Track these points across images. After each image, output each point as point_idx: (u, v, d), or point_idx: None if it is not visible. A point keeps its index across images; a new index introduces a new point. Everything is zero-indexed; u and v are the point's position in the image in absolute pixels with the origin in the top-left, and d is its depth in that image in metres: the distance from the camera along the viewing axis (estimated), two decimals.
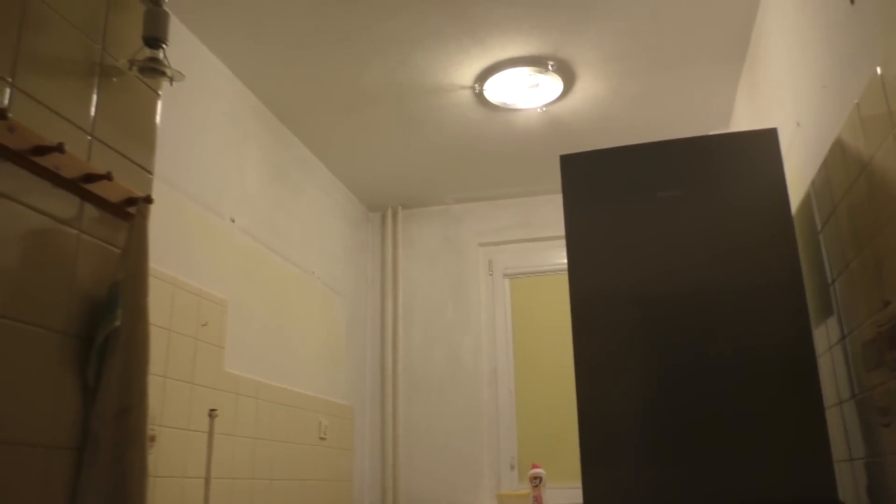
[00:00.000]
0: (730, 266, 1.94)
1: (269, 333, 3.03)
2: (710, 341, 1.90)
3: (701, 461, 1.83)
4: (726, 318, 1.91)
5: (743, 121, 3.04)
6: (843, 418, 1.94)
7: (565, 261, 2.10)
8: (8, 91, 1.15)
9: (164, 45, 1.40)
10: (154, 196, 1.53)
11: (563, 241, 2.12)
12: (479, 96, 3.12)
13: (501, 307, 4.18)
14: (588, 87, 3.07)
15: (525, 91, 3.07)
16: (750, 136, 2.04)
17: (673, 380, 1.91)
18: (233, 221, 2.83)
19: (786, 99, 2.28)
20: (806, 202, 2.16)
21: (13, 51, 1.15)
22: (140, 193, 1.45)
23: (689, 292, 1.96)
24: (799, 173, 2.18)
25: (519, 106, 3.19)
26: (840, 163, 1.80)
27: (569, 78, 3.00)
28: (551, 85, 3.04)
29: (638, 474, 1.88)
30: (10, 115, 1.10)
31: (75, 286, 1.35)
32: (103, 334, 1.48)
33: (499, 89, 3.06)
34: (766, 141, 2.00)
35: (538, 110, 3.25)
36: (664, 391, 1.91)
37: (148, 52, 1.40)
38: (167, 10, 1.43)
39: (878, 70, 1.49)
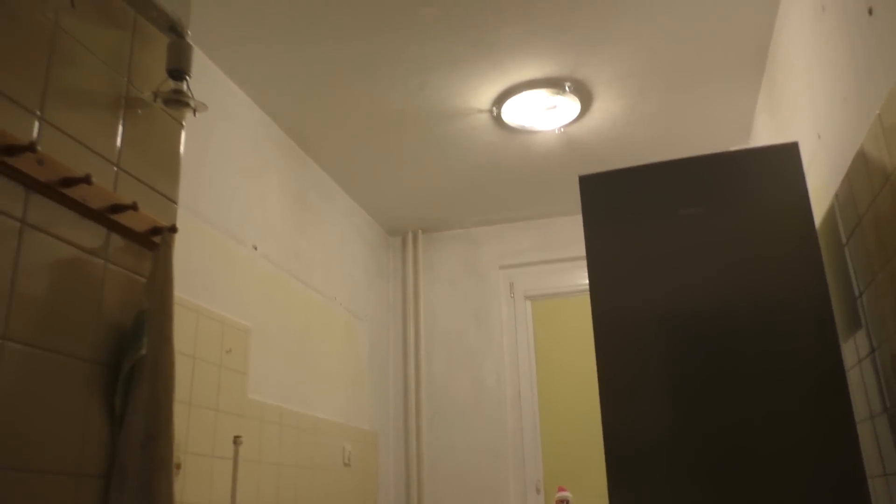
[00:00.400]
0: (754, 282, 1.92)
1: (292, 359, 3.04)
2: (737, 358, 1.88)
3: (729, 480, 1.79)
4: (752, 334, 1.88)
5: (763, 135, 3.03)
6: (875, 433, 1.90)
7: (587, 281, 2.09)
8: (36, 124, 1.17)
9: (187, 77, 1.43)
10: (178, 225, 1.55)
11: (585, 262, 2.11)
12: (497, 119, 3.14)
13: (523, 329, 4.16)
14: (606, 106, 3.08)
15: (543, 113, 3.08)
16: (771, 150, 2.03)
17: (700, 398, 1.88)
18: (255, 248, 2.85)
19: (806, 112, 2.27)
20: (830, 215, 2.13)
21: (42, 85, 1.18)
22: (165, 223, 1.47)
23: (713, 309, 1.94)
24: (822, 186, 2.16)
25: (537, 128, 3.20)
26: (863, 174, 1.78)
27: (586, 98, 3.01)
28: (569, 106, 3.05)
29: (666, 494, 1.85)
30: (38, 147, 1.13)
31: (102, 315, 1.37)
32: (129, 363, 1.49)
33: (516, 112, 3.07)
34: (787, 155, 1.99)
35: (556, 131, 3.26)
36: (691, 410, 1.88)
37: (172, 83, 1.43)
38: (191, 42, 1.46)
39: None
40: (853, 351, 2.03)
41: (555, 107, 3.05)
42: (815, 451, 1.75)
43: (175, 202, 1.59)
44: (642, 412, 1.93)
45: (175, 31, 1.44)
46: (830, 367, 1.79)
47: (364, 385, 3.78)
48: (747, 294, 1.92)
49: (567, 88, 2.93)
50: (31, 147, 1.11)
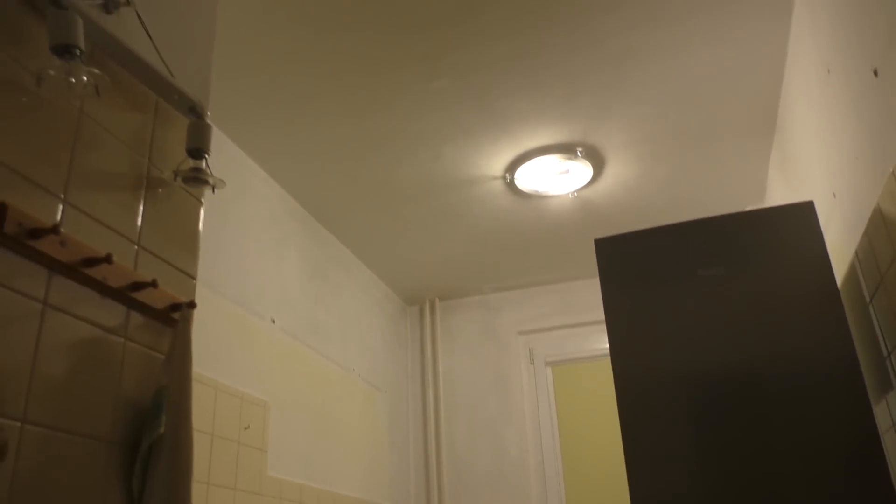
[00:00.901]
0: (778, 343, 1.89)
1: (311, 434, 3.00)
2: (764, 424, 1.83)
3: None
4: (780, 397, 1.84)
5: (778, 195, 3.03)
6: None
7: (607, 345, 2.07)
8: (60, 207, 1.20)
9: (206, 156, 1.46)
10: (196, 300, 1.56)
11: (605, 326, 2.09)
12: (511, 185, 3.17)
13: (545, 396, 4.10)
14: (618, 170, 3.11)
15: (556, 178, 3.11)
16: (787, 209, 2.02)
17: (728, 466, 1.83)
18: (273, 322, 2.85)
19: (819, 171, 2.27)
20: (851, 273, 2.11)
21: (66, 169, 1.21)
22: (184, 299, 1.48)
23: (738, 371, 1.90)
24: (841, 244, 2.14)
25: (550, 192, 3.23)
26: (882, 231, 1.77)
27: (598, 163, 3.04)
28: (581, 170, 3.08)
29: None
30: (62, 229, 1.15)
31: (121, 394, 1.36)
32: (148, 442, 1.48)
33: (529, 177, 3.10)
34: (803, 214, 1.98)
35: (570, 196, 3.28)
36: (720, 475, 1.82)
37: (191, 162, 1.46)
38: (210, 122, 1.50)
39: None
40: (886, 413, 1.97)
41: (567, 171, 3.08)
42: None
43: (194, 278, 1.60)
44: (670, 479, 1.87)
45: (195, 113, 1.48)
46: (864, 430, 1.74)
47: (385, 458, 3.71)
48: (772, 355, 1.89)
49: (579, 153, 2.97)
50: (54, 229, 1.13)
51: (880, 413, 2.00)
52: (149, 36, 1.40)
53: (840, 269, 2.17)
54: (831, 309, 1.87)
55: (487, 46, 2.34)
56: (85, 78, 1.13)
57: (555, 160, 3.00)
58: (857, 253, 2.02)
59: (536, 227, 3.56)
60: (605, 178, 3.16)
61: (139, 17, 1.38)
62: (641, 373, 2.00)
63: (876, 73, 1.61)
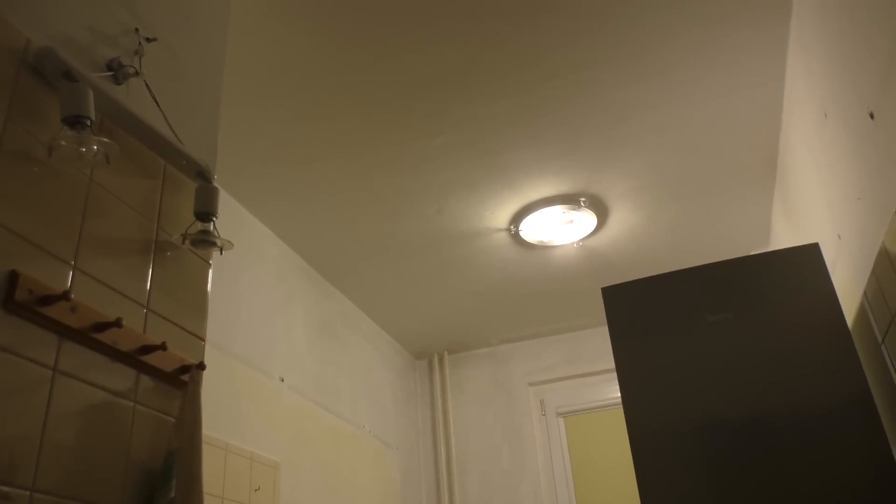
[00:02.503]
0: (792, 387, 1.87)
1: (322, 494, 2.95)
2: (782, 469, 1.80)
3: None
4: (795, 442, 1.81)
5: (782, 238, 3.04)
6: None
7: (619, 394, 2.05)
8: (70, 273, 1.21)
9: (214, 218, 1.48)
10: (205, 361, 1.56)
11: (615, 375, 2.07)
12: (516, 237, 3.18)
13: (558, 448, 4.03)
14: (622, 218, 3.12)
15: (560, 227, 3.13)
16: (793, 252, 2.03)
17: None
18: (282, 381, 2.84)
19: (822, 213, 2.28)
20: (861, 314, 2.10)
21: (76, 236, 1.23)
22: (193, 360, 1.48)
23: (752, 418, 1.88)
24: (849, 285, 2.14)
25: (556, 242, 3.24)
26: (890, 271, 1.77)
27: (602, 212, 3.06)
28: (585, 220, 3.10)
29: None
30: (72, 295, 1.16)
31: (131, 459, 1.35)
32: None
33: (534, 228, 3.12)
34: (809, 256, 1.99)
35: (575, 245, 3.29)
36: None
37: (199, 225, 1.48)
38: (217, 185, 1.52)
39: None
40: None
41: (572, 221, 3.10)
42: None
43: (203, 339, 1.61)
44: None
45: (202, 177, 1.51)
46: (884, 471, 1.71)
47: None
48: (786, 399, 1.86)
49: (582, 203, 2.99)
50: (65, 295, 1.14)
51: None
52: (157, 105, 1.44)
53: (850, 310, 2.16)
54: (843, 350, 1.86)
55: (488, 101, 2.39)
56: (95, 147, 1.16)
57: (559, 211, 3.02)
58: (865, 293, 2.01)
59: (543, 278, 3.57)
60: (609, 227, 3.18)
61: (148, 87, 1.42)
62: (655, 421, 1.97)
63: (872, 116, 1.63)
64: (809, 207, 2.45)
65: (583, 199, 2.96)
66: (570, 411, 4.12)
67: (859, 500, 1.71)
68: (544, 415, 4.13)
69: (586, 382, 4.07)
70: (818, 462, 1.77)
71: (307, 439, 2.93)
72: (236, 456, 2.40)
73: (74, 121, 1.12)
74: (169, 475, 1.47)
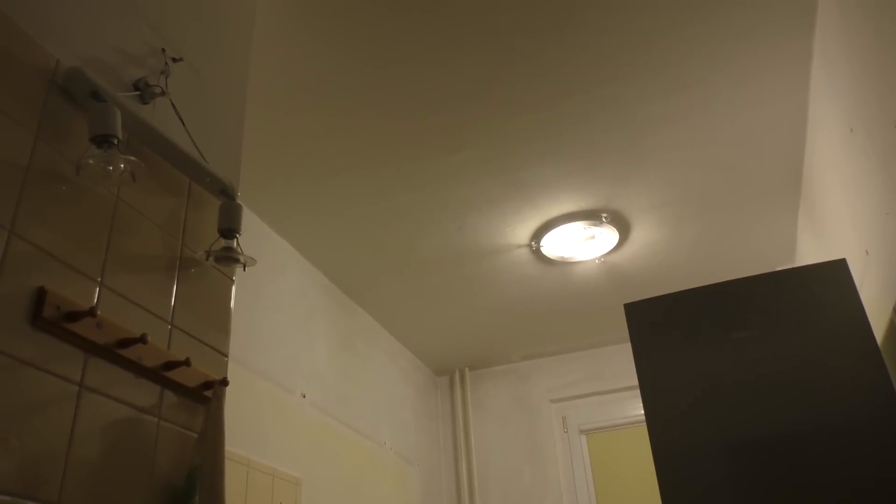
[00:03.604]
0: (820, 404, 1.84)
1: None
2: (809, 487, 1.76)
3: None
4: (823, 459, 1.77)
5: (809, 254, 3.00)
6: None
7: (642, 412, 2.02)
8: (97, 290, 1.23)
9: (237, 235, 1.49)
10: (228, 377, 1.57)
11: (638, 392, 2.05)
12: (537, 253, 3.17)
13: (580, 465, 3.99)
14: (644, 234, 3.10)
15: (582, 244, 3.11)
16: (819, 268, 2.00)
17: None
18: (304, 396, 2.85)
19: (849, 229, 2.25)
20: (891, 330, 2.06)
21: (103, 253, 1.25)
22: (216, 376, 1.49)
23: (778, 435, 1.84)
24: (878, 301, 2.10)
25: (577, 258, 3.23)
26: None
27: (624, 228, 3.04)
28: (607, 236, 3.08)
29: None
30: (98, 311, 1.17)
31: (155, 474, 1.36)
32: None
33: (555, 244, 3.11)
34: (836, 272, 1.96)
35: (597, 261, 3.28)
36: None
37: (223, 242, 1.49)
38: (240, 202, 1.54)
39: None
40: None
41: (593, 237, 3.08)
42: None
43: (226, 355, 1.61)
44: None
45: (226, 194, 1.52)
46: None
47: None
48: (815, 418, 1.83)
49: (604, 219, 2.98)
50: (91, 312, 1.15)
51: None
52: (182, 123, 1.46)
53: (879, 326, 2.12)
54: (873, 367, 1.83)
55: (509, 117, 2.39)
56: (122, 165, 1.18)
57: (580, 227, 3.01)
58: (895, 309, 1.98)
59: (564, 294, 3.55)
60: (631, 243, 3.16)
61: (174, 105, 1.44)
62: (679, 439, 1.95)
63: None
64: (836, 223, 2.42)
65: (604, 214, 2.95)
66: (592, 428, 4.07)
67: None
68: (566, 432, 4.09)
69: (609, 399, 4.03)
70: (846, 479, 1.73)
71: (328, 455, 2.93)
72: (258, 472, 2.40)
73: (102, 140, 1.14)
74: (192, 491, 1.47)
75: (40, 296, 1.09)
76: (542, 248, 3.13)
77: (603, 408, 4.06)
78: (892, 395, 1.78)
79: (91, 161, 1.15)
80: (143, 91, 1.37)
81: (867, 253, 2.11)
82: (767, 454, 1.84)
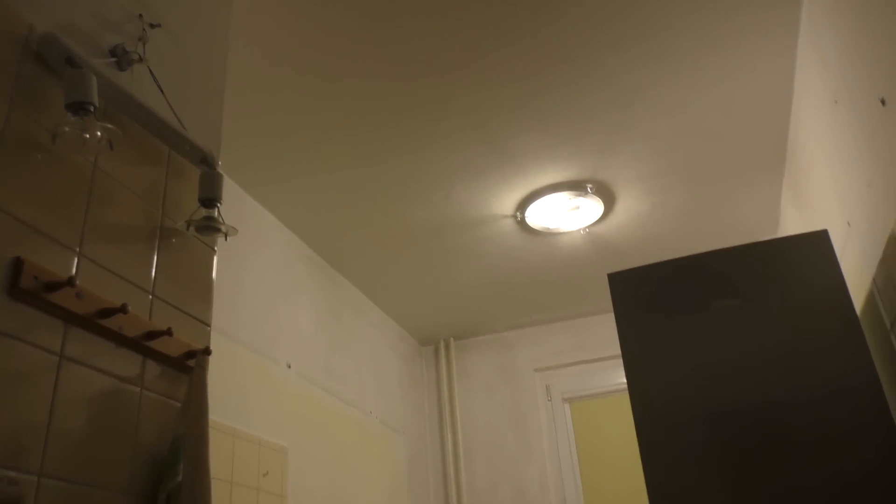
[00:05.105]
0: (799, 373, 1.86)
1: (330, 479, 2.97)
2: (787, 453, 1.79)
3: None
4: (801, 427, 1.81)
5: (791, 226, 3.02)
6: None
7: (625, 380, 2.05)
8: (75, 260, 1.21)
9: (218, 204, 1.48)
10: (212, 348, 1.57)
11: (621, 360, 2.07)
12: (522, 223, 3.17)
13: (564, 433, 4.05)
14: (629, 205, 3.11)
15: (566, 214, 3.12)
16: (801, 239, 2.01)
17: (751, 497, 1.79)
18: (289, 367, 2.85)
19: (832, 200, 2.26)
20: (870, 301, 2.09)
21: (81, 222, 1.23)
22: (199, 346, 1.49)
23: (758, 404, 1.87)
24: (858, 272, 2.12)
25: (562, 229, 3.23)
26: None
27: (609, 198, 3.05)
28: (592, 206, 3.08)
29: None
30: (77, 282, 1.16)
31: (138, 444, 1.36)
32: (166, 491, 1.47)
33: (540, 215, 3.11)
34: (818, 243, 1.97)
35: (581, 232, 3.28)
36: None
37: (204, 211, 1.48)
38: (221, 172, 1.52)
39: None
40: None
41: (578, 208, 3.09)
42: None
43: (209, 325, 1.61)
44: None
45: (206, 163, 1.50)
46: (891, 459, 1.70)
47: (404, 500, 3.66)
48: (792, 385, 1.86)
49: (589, 190, 2.97)
50: (70, 282, 1.14)
51: None
52: (161, 91, 1.44)
53: (858, 297, 2.15)
54: (852, 337, 1.85)
55: (495, 87, 2.37)
56: (99, 133, 1.16)
57: (565, 197, 3.01)
58: (874, 280, 2.00)
59: (549, 264, 3.56)
60: (616, 214, 3.16)
61: (151, 73, 1.42)
62: (660, 407, 1.97)
63: (883, 102, 1.61)
64: (818, 195, 2.43)
65: (590, 185, 2.95)
66: (575, 397, 4.12)
67: (866, 485, 1.70)
68: (550, 400, 4.14)
69: (592, 368, 4.08)
70: (825, 448, 1.77)
71: (314, 425, 2.95)
72: (244, 441, 2.41)
73: (78, 107, 1.12)
74: (176, 459, 1.48)
75: (17, 266, 1.07)
76: (526, 219, 3.13)
77: (586, 376, 4.10)
78: (870, 366, 1.81)
79: (67, 129, 1.13)
80: (120, 58, 1.34)
81: (849, 224, 2.13)
82: (747, 422, 1.87)
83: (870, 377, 1.79)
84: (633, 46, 2.24)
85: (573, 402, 4.13)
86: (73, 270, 1.20)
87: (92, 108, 1.13)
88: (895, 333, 1.92)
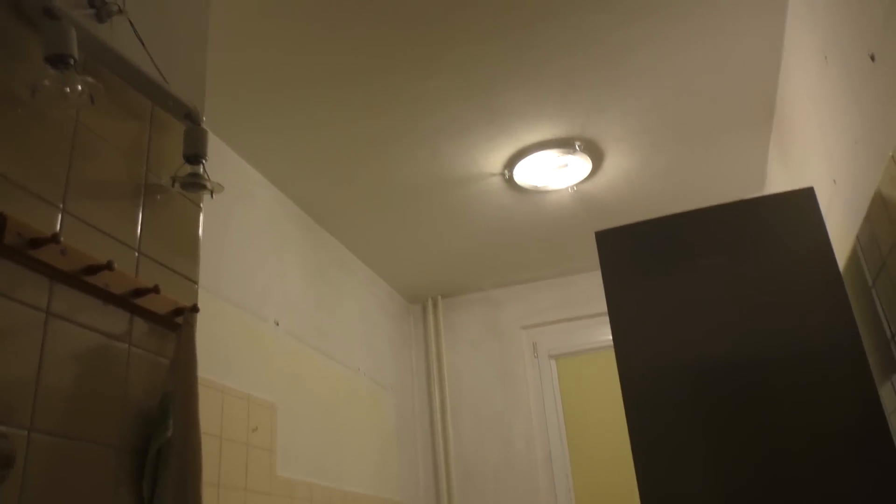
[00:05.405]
0: (783, 329, 1.89)
1: (319, 434, 3.01)
2: (771, 410, 1.83)
3: None
4: (785, 384, 1.84)
5: (778, 183, 3.03)
6: None
7: (611, 337, 2.07)
8: (59, 216, 1.20)
9: (203, 161, 1.46)
10: (200, 306, 1.57)
11: (607, 318, 2.09)
12: (510, 181, 3.17)
13: (550, 390, 4.10)
14: (617, 163, 3.10)
15: (554, 172, 3.11)
16: (787, 197, 2.02)
17: (735, 452, 1.83)
18: (277, 324, 2.86)
19: (818, 158, 2.27)
20: (853, 258, 2.11)
21: (64, 179, 1.22)
22: (186, 303, 1.49)
23: (742, 360, 1.90)
24: (842, 230, 2.14)
25: (550, 187, 3.23)
26: (883, 215, 1.77)
27: (597, 156, 3.04)
28: (580, 164, 3.07)
29: None
30: (61, 238, 1.15)
31: (127, 400, 1.37)
32: (156, 446, 1.48)
33: (528, 173, 3.10)
34: (804, 200, 1.98)
35: (569, 190, 3.28)
36: (728, 466, 1.83)
37: (189, 168, 1.46)
38: (206, 128, 1.50)
39: None
40: (892, 395, 1.97)
41: (566, 165, 3.08)
42: (864, 501, 1.68)
43: (196, 283, 1.61)
44: (677, 469, 1.88)
45: (190, 118, 1.48)
46: (871, 413, 1.74)
47: (393, 455, 3.72)
48: (777, 342, 1.89)
49: (577, 147, 2.96)
50: (54, 238, 1.13)
51: (886, 394, 2.00)
52: (142, 43, 1.41)
53: (842, 254, 2.17)
54: (834, 294, 1.88)
55: (483, 43, 2.34)
56: (79, 87, 1.13)
57: (553, 155, 3.00)
58: (858, 238, 2.02)
59: (536, 222, 3.56)
60: (604, 172, 3.16)
61: (132, 25, 1.39)
62: (645, 363, 2.00)
63: (873, 58, 1.61)
64: (806, 152, 2.44)
65: (578, 142, 2.94)
66: (561, 354, 4.17)
67: (845, 438, 1.74)
68: (536, 357, 4.18)
69: (578, 325, 4.12)
70: (807, 402, 1.80)
71: (303, 382, 2.97)
72: (233, 398, 2.43)
73: (57, 60, 1.10)
74: (166, 415, 1.49)
75: (1, 222, 1.06)
76: (514, 177, 3.12)
77: (573, 334, 4.14)
78: (851, 321, 1.84)
79: (47, 82, 1.11)
80: (100, 9, 1.31)
81: (835, 182, 2.14)
82: (731, 378, 1.90)
83: (850, 333, 1.82)
84: (621, 3, 2.21)
85: (559, 358, 4.18)
86: (58, 227, 1.19)
87: (72, 61, 1.11)
88: (877, 290, 1.95)
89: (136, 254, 1.38)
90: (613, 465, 3.72)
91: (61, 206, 1.20)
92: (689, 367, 1.95)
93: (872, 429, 1.73)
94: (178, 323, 1.50)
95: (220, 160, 2.67)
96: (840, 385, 1.79)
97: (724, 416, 1.88)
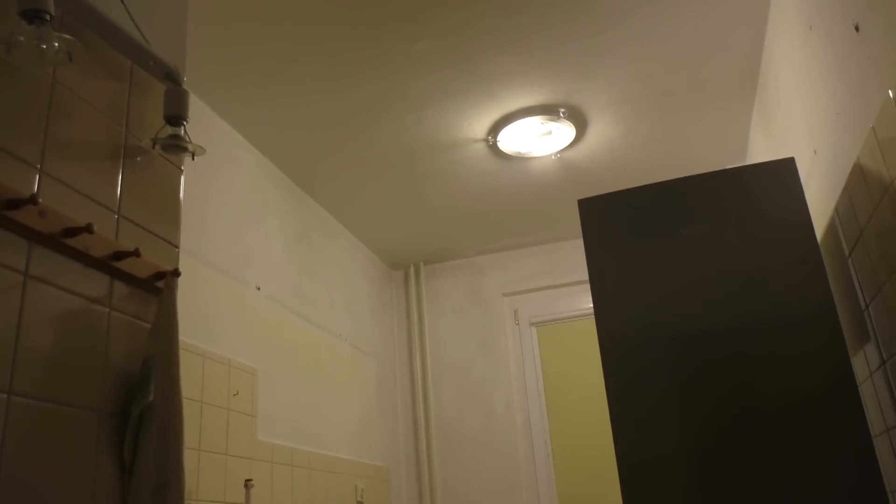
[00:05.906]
0: (760, 298, 1.92)
1: (300, 399, 3.02)
2: (747, 377, 1.86)
3: (749, 501, 1.77)
4: (761, 351, 1.87)
5: (759, 154, 3.04)
6: (892, 445, 1.87)
7: (592, 305, 2.09)
8: (37, 177, 1.18)
9: (185, 122, 1.44)
10: (181, 270, 1.56)
11: (588, 286, 2.11)
12: (494, 148, 3.16)
13: (530, 357, 4.14)
14: (601, 131, 3.10)
15: (538, 139, 3.10)
16: (768, 167, 2.04)
17: (712, 419, 1.86)
18: (258, 289, 2.85)
19: (800, 129, 2.28)
20: (831, 228, 2.13)
21: (41, 138, 1.19)
22: (167, 267, 1.47)
23: (720, 328, 1.93)
24: (821, 200, 2.16)
25: (533, 154, 3.22)
26: (862, 187, 1.78)
27: (581, 123, 3.03)
28: (564, 132, 3.07)
29: None
30: (40, 200, 1.13)
31: (108, 364, 1.36)
32: (137, 410, 1.48)
33: (512, 139, 3.09)
34: (784, 171, 2.00)
35: (553, 157, 3.28)
36: (704, 431, 1.86)
37: (170, 129, 1.44)
38: (187, 89, 1.47)
39: (890, 93, 1.49)
40: (864, 364, 2.01)
41: (550, 133, 3.07)
42: (835, 469, 1.73)
43: (177, 246, 1.59)
44: (655, 436, 1.91)
45: (171, 79, 1.46)
46: (843, 382, 1.78)
47: (374, 420, 3.75)
48: (754, 311, 1.91)
49: (562, 115, 2.95)
50: (32, 199, 1.11)
51: (858, 363, 2.04)
52: (121, 1, 1.37)
53: (820, 225, 2.20)
54: (811, 264, 1.90)
55: (470, 7, 2.31)
56: (56, 44, 1.11)
57: (537, 122, 2.99)
58: (836, 208, 2.04)
59: (520, 189, 3.56)
60: (587, 139, 3.16)
61: None
62: (626, 330, 2.02)
63: (857, 29, 1.61)
64: (787, 123, 2.45)
65: (562, 109, 2.93)
66: (542, 321, 4.20)
67: (819, 407, 1.78)
68: (517, 324, 4.21)
69: (560, 293, 4.15)
70: (783, 371, 1.84)
71: (284, 347, 2.98)
72: (214, 362, 2.43)
73: (33, 15, 1.07)
74: (147, 379, 1.49)
75: None
76: (498, 143, 3.11)
77: (554, 301, 4.17)
78: (827, 291, 1.87)
79: (22, 38, 1.08)
80: None
81: (815, 153, 2.15)
82: (709, 346, 1.93)
83: (826, 304, 1.85)
84: None
85: (540, 326, 4.22)
86: (35, 188, 1.17)
87: (48, 17, 1.08)
88: (853, 261, 1.98)
89: (116, 216, 1.37)
90: (592, 430, 3.78)
91: (39, 166, 1.18)
92: (668, 335, 1.98)
93: (844, 397, 1.77)
94: (159, 287, 1.49)
95: (203, 123, 2.63)
96: (814, 354, 1.83)
97: (700, 382, 1.91)
